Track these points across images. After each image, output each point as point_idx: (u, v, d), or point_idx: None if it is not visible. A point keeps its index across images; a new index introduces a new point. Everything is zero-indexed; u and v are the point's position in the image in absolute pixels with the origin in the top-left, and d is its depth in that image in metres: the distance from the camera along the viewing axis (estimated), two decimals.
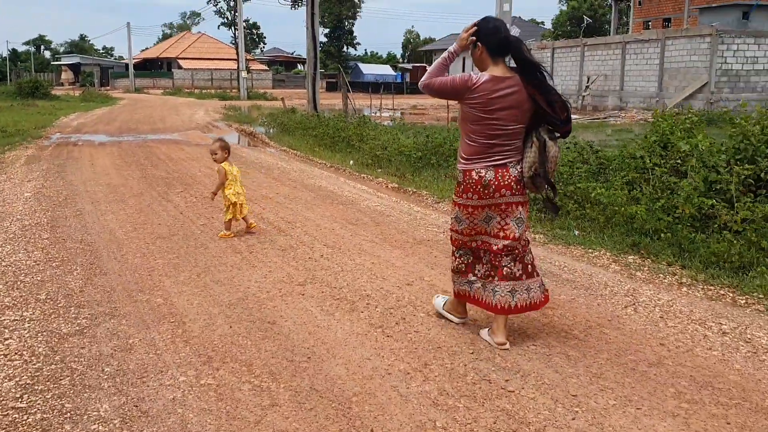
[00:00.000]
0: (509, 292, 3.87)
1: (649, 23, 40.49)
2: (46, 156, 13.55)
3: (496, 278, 3.90)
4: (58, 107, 31.60)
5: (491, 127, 3.74)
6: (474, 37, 3.81)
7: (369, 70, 68.56)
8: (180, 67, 73.63)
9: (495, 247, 3.88)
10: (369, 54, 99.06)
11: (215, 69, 72.45)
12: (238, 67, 54.73)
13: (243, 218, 6.78)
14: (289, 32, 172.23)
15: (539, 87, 3.73)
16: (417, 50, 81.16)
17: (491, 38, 3.78)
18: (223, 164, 6.68)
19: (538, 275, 3.99)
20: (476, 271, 4.02)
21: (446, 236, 6.57)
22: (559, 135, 3.88)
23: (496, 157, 3.79)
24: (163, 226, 7.15)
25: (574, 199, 7.16)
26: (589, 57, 31.18)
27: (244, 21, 49.54)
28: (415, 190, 9.34)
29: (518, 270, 3.89)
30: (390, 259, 5.80)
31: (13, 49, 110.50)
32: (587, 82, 30.40)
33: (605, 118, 24.24)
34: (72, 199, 8.71)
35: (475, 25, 3.86)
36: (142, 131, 19.73)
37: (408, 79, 61.48)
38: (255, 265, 5.66)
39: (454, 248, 4.09)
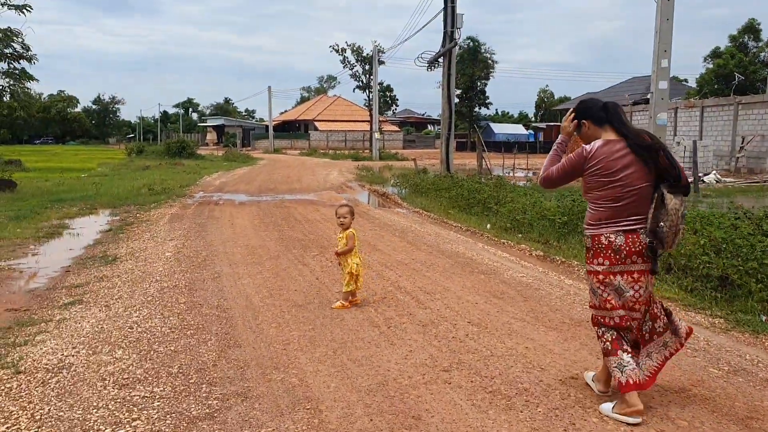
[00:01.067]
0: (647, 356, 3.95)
1: None
2: (188, 215, 13.98)
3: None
4: (202, 166, 33.41)
5: (617, 189, 3.75)
6: (576, 119, 4.01)
7: (500, 129, 68.26)
8: (316, 129, 76.64)
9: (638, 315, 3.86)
10: (500, 113, 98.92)
11: (349, 130, 74.81)
12: (370, 128, 56.19)
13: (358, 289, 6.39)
14: (420, 93, 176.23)
15: (645, 147, 3.76)
16: (551, 109, 79.96)
17: (593, 111, 3.96)
18: (352, 229, 6.35)
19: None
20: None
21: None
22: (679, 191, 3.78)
23: (624, 222, 3.77)
24: (299, 292, 6.87)
25: (756, 278, 6.19)
26: (744, 116, 29.01)
27: (378, 84, 50.84)
28: (563, 259, 8.60)
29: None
30: (546, 344, 5.12)
31: (164, 111, 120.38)
32: (742, 143, 28.21)
33: (765, 181, 22.20)
34: (210, 260, 8.70)
35: (573, 110, 4.08)
36: (280, 191, 20.19)
37: (542, 138, 60.34)
38: (394, 342, 5.17)
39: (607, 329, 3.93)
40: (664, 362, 3.93)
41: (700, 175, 19.05)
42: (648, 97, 46.23)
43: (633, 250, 3.75)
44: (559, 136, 4.12)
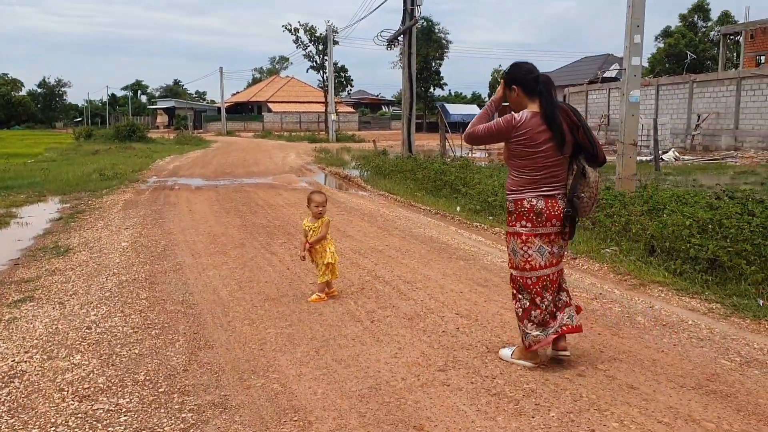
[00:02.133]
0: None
1: (762, 57, 38.10)
2: (143, 201, 13.32)
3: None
4: (154, 150, 32.35)
5: (538, 160, 3.95)
6: (506, 84, 4.09)
7: (455, 110, 68.00)
8: (270, 111, 75.32)
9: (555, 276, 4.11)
10: (453, 94, 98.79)
11: (303, 112, 73.68)
12: (325, 110, 55.33)
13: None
14: (374, 74, 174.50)
15: (572, 123, 3.98)
16: None
17: (525, 80, 4.02)
18: (325, 218, 5.95)
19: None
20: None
21: (603, 305, 5.55)
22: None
23: (544, 188, 3.99)
24: (270, 284, 6.42)
25: (747, 260, 5.98)
26: (699, 94, 29.32)
27: (333, 64, 49.99)
28: None
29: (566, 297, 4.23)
30: None
31: (112, 94, 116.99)
32: (697, 121, 28.53)
33: (723, 158, 22.45)
34: (171, 250, 8.17)
35: (507, 71, 4.16)
36: (238, 175, 19.53)
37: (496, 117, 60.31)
38: (380, 338, 4.79)
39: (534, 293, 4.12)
40: (571, 330, 4.15)
41: (660, 153, 19.08)
42: (604, 75, 46.54)
43: (552, 213, 3.99)
44: (493, 95, 4.26)
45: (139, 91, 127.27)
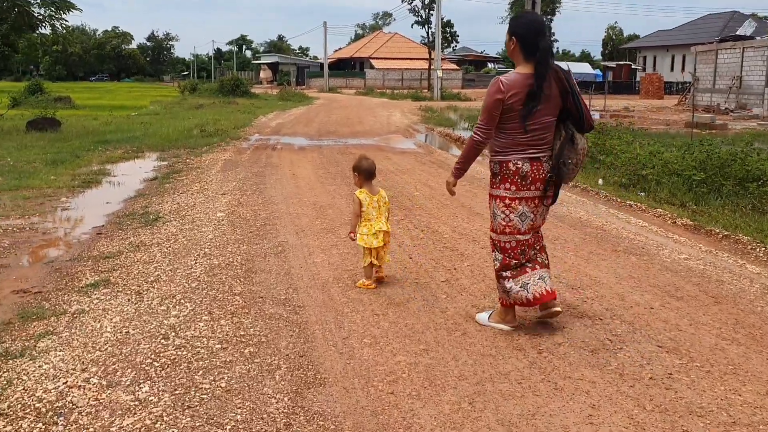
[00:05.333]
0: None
1: None
2: (244, 161, 12.31)
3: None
4: (257, 106, 31.74)
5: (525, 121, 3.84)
6: (509, 32, 3.93)
7: (566, 68, 64.35)
8: (372, 67, 73.88)
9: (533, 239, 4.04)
10: (560, 52, 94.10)
11: (406, 69, 71.79)
12: (429, 66, 53.42)
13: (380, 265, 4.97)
14: (479, 31, 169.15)
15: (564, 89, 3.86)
16: (620, 47, 75.17)
17: (526, 36, 3.85)
18: (359, 192, 4.93)
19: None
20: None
21: None
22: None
23: (531, 151, 3.89)
24: (392, 280, 5.08)
25: None
26: None
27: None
28: (725, 232, 6.56)
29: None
30: None
31: (218, 49, 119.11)
32: None
33: None
34: (272, 225, 6.99)
35: (512, 19, 4.12)
36: (342, 134, 18.32)
37: (611, 78, 56.52)
38: (559, 384, 3.34)
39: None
40: (547, 295, 3.97)
41: None
42: (736, 33, 42.23)
43: (537, 177, 3.90)
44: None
45: (244, 46, 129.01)
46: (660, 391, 3.27)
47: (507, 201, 3.93)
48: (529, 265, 4.00)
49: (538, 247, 4.09)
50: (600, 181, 9.71)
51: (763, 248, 5.96)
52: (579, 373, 3.46)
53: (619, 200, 8.40)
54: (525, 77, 3.81)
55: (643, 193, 8.87)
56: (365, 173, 4.91)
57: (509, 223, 3.95)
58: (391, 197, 8.48)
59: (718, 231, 6.61)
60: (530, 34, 3.84)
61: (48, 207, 8.17)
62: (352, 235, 4.97)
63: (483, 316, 4.18)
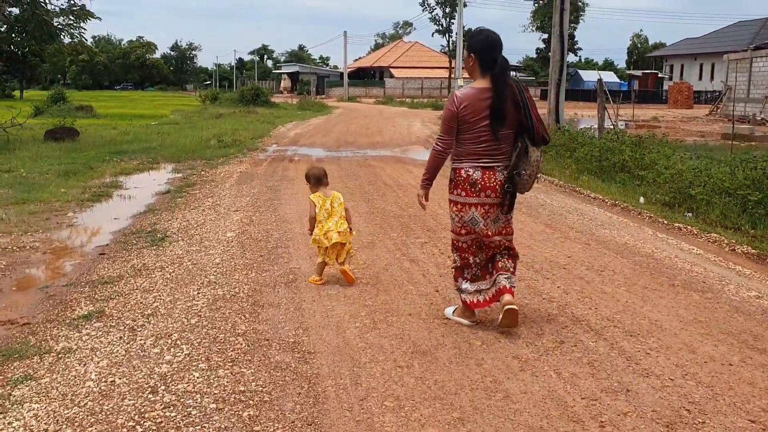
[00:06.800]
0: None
1: None
2: (259, 174, 11.74)
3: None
4: (276, 115, 31.28)
5: (480, 132, 4.05)
6: (467, 49, 4.13)
7: (589, 77, 63.45)
8: (392, 76, 73.36)
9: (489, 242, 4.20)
10: (583, 61, 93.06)
11: (426, 78, 71.17)
12: (450, 75, 52.75)
13: (340, 264, 5.20)
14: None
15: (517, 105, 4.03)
16: (645, 56, 73.94)
17: (483, 52, 4.07)
18: (312, 195, 5.35)
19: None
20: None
21: None
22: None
23: (484, 160, 4.08)
24: (416, 320, 4.42)
25: None
26: None
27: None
28: None
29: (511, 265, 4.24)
30: None
31: (240, 58, 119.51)
32: None
33: None
34: (284, 248, 6.37)
35: (471, 36, 4.25)
36: (361, 145, 17.70)
37: (636, 87, 55.44)
38: None
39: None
40: (502, 292, 4.10)
41: None
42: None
43: (488, 185, 4.08)
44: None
45: (265, 56, 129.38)
46: None
47: (459, 206, 4.16)
48: (488, 273, 4.23)
49: (504, 253, 4.23)
50: (641, 200, 8.98)
51: None
52: None
53: (665, 222, 7.66)
54: (478, 91, 4.04)
55: (689, 214, 8.14)
56: (313, 179, 5.44)
57: (463, 225, 4.18)
58: (415, 217, 7.86)
59: None
60: (487, 50, 4.06)
61: (53, 223, 7.66)
62: (309, 232, 5.37)
63: (449, 310, 4.47)
